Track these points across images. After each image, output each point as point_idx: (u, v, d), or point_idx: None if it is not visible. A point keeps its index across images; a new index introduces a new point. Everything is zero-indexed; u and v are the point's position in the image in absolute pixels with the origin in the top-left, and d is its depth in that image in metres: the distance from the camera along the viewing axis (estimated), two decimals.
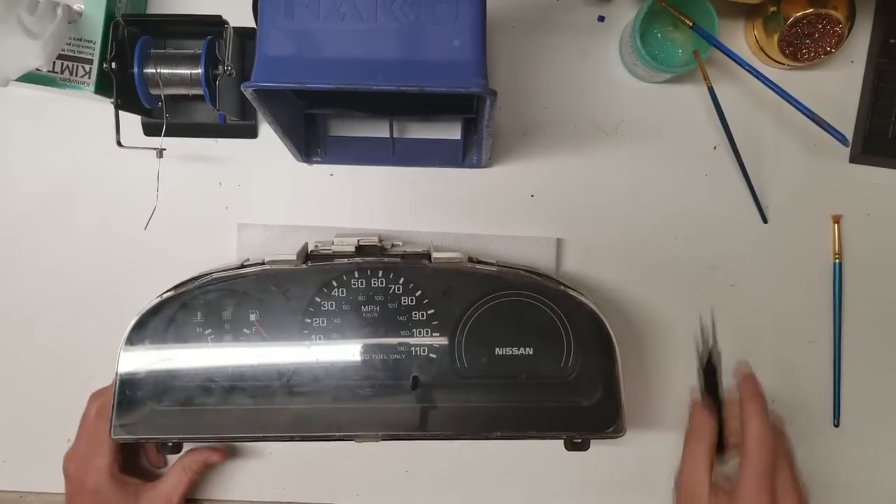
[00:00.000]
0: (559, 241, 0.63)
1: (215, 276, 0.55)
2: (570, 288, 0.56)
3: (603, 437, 0.54)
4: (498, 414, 0.54)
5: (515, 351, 0.55)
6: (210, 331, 0.54)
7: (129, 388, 0.54)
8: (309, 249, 0.57)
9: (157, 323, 0.54)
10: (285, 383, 0.54)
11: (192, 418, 0.53)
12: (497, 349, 0.55)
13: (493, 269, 0.56)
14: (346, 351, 0.55)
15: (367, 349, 0.55)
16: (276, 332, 0.55)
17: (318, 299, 0.55)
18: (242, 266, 0.56)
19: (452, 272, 0.55)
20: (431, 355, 0.55)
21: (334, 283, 0.55)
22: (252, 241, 0.62)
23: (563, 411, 0.54)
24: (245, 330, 0.55)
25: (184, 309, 0.55)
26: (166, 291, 0.55)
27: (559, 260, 0.63)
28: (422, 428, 0.54)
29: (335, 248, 0.56)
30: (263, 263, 0.55)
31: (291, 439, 0.54)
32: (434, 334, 0.55)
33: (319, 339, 0.55)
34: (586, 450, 0.55)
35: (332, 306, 0.55)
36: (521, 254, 0.62)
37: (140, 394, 0.54)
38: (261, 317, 0.55)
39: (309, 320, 0.55)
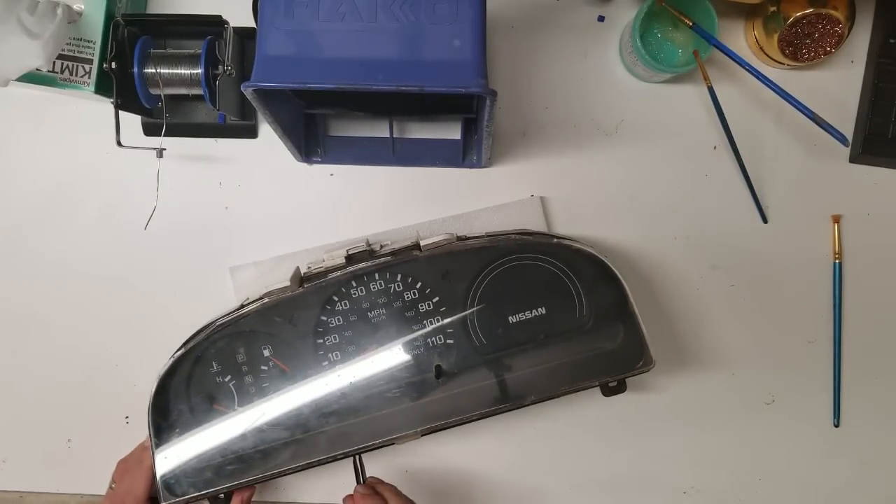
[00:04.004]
0: (544, 200, 0.63)
1: (219, 322, 0.55)
2: (563, 238, 0.56)
3: (635, 373, 0.54)
4: (527, 380, 0.54)
5: (528, 314, 0.55)
6: (230, 377, 0.55)
7: (167, 455, 0.54)
8: (302, 272, 0.57)
9: (176, 383, 0.55)
10: (315, 407, 0.54)
11: (236, 465, 0.54)
12: (510, 317, 0.55)
13: (484, 241, 0.56)
14: (365, 360, 0.55)
15: (384, 353, 0.55)
16: (293, 360, 0.55)
17: (324, 318, 0.55)
18: (243, 306, 0.56)
19: (445, 255, 0.55)
20: (448, 341, 0.55)
21: (335, 298, 0.55)
22: (246, 280, 0.62)
23: (590, 360, 0.55)
24: (263, 367, 0.55)
25: (198, 363, 0.55)
26: (177, 350, 0.55)
27: (552, 222, 0.63)
28: (457, 413, 0.54)
29: (326, 265, 0.57)
30: (262, 298, 0.55)
31: (335, 459, 0.54)
32: (445, 320, 0.55)
33: (336, 356, 0.55)
34: (624, 391, 0.55)
35: (339, 321, 0.55)
36: (511, 221, 0.62)
37: (180, 458, 0.54)
38: (274, 350, 0.55)
39: (321, 340, 0.55)
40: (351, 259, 0.56)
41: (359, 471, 0.57)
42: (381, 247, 0.58)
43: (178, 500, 0.53)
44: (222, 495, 0.55)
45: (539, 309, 0.55)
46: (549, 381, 0.54)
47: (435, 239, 0.55)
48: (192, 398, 0.55)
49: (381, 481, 0.57)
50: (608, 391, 0.55)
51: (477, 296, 0.55)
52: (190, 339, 0.56)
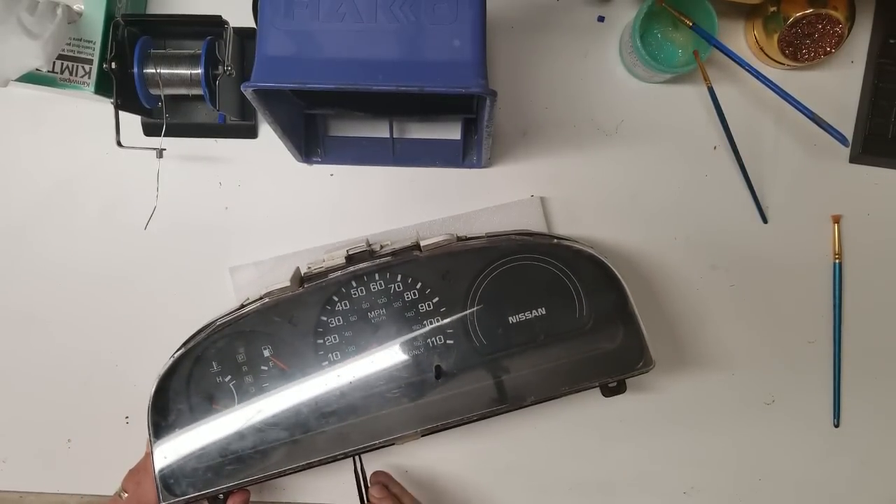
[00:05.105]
0: (544, 200, 0.63)
1: (219, 322, 0.55)
2: (563, 239, 0.56)
3: (635, 374, 0.54)
4: (527, 380, 0.54)
5: (528, 314, 0.55)
6: (230, 377, 0.55)
7: (166, 455, 0.54)
8: (302, 272, 0.57)
9: (176, 383, 0.55)
10: (315, 408, 0.54)
11: (235, 466, 0.54)
12: (510, 318, 0.55)
13: (484, 241, 0.56)
14: (365, 360, 0.55)
15: (384, 353, 0.55)
16: (293, 360, 0.55)
17: (324, 318, 0.55)
18: (243, 306, 0.56)
19: (445, 255, 0.55)
20: (448, 341, 0.55)
21: (335, 299, 0.55)
22: (246, 280, 0.62)
23: (590, 360, 0.55)
24: (263, 367, 0.55)
25: (198, 363, 0.55)
26: (177, 350, 0.55)
27: (552, 222, 0.63)
28: (457, 413, 0.54)
29: (326, 265, 0.56)
30: (262, 298, 0.55)
31: (335, 459, 0.54)
32: (445, 320, 0.55)
33: (336, 356, 0.55)
34: (623, 391, 0.55)
35: (339, 321, 0.55)
36: (511, 221, 0.62)
37: (179, 458, 0.54)
38: (274, 350, 0.55)
39: (321, 340, 0.55)
40: (351, 259, 0.56)
41: (359, 476, 0.57)
42: (382, 247, 0.58)
43: (177, 500, 0.53)
44: (221, 496, 0.55)
45: (539, 309, 0.55)
46: (548, 381, 0.54)
47: (435, 239, 0.55)
48: (191, 398, 0.55)
49: (390, 478, 0.58)
50: (608, 392, 0.55)
51: (477, 296, 0.55)
52: (190, 338, 0.56)
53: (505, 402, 0.54)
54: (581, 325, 0.55)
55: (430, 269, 0.55)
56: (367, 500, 0.58)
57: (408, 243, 0.56)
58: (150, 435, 0.54)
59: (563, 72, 0.63)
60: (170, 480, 0.54)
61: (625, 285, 0.55)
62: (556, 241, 0.56)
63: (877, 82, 0.61)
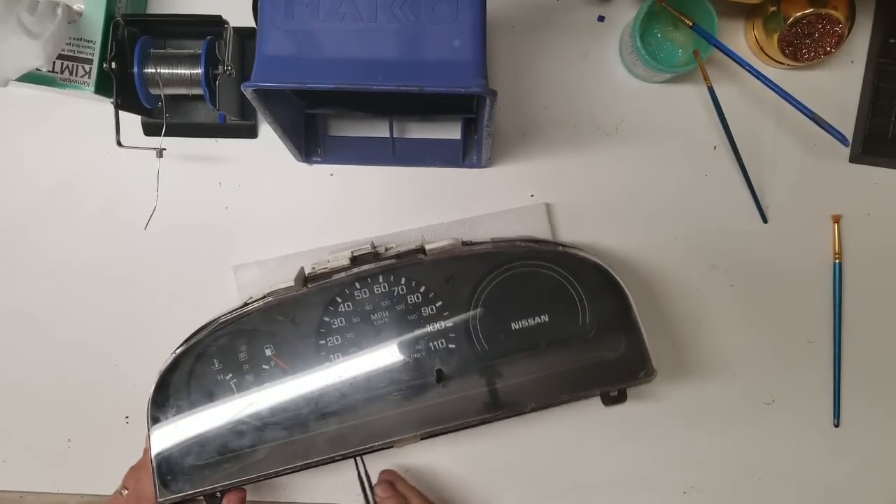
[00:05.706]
0: (549, 206, 0.63)
1: (222, 320, 0.55)
2: (568, 246, 0.56)
3: (636, 384, 0.54)
4: (528, 387, 0.54)
5: (531, 321, 0.55)
6: (231, 375, 0.55)
7: (164, 452, 0.54)
8: (306, 272, 0.57)
9: (177, 379, 0.55)
10: (315, 408, 0.54)
11: (233, 464, 0.54)
12: (513, 324, 0.55)
13: (489, 246, 0.56)
14: (366, 362, 0.55)
15: (385, 355, 0.55)
16: (295, 360, 0.55)
17: (327, 318, 0.55)
18: (246, 304, 0.56)
19: (449, 260, 0.55)
20: (450, 346, 0.55)
21: (338, 300, 0.55)
22: (250, 279, 0.62)
23: (591, 369, 0.55)
24: (264, 366, 0.55)
25: (200, 360, 0.55)
26: (179, 346, 0.55)
27: (554, 223, 0.63)
28: (457, 418, 0.54)
29: (331, 266, 0.57)
30: (266, 297, 0.55)
31: (333, 460, 0.54)
32: (447, 324, 0.55)
33: (338, 357, 0.55)
34: (624, 401, 0.55)
35: (342, 322, 0.55)
36: (515, 227, 0.62)
37: (177, 455, 0.54)
38: (276, 349, 0.55)
39: (323, 341, 0.55)
40: (355, 260, 0.56)
41: (363, 477, 0.57)
42: (386, 249, 0.58)
43: (174, 496, 0.53)
44: (218, 493, 0.55)
45: (542, 316, 0.55)
46: (549, 389, 0.54)
47: (440, 243, 0.55)
48: (192, 394, 0.55)
49: (397, 476, 0.58)
50: (609, 401, 0.55)
51: (480, 301, 0.55)
52: (192, 335, 0.56)
53: (505, 408, 0.54)
54: (583, 333, 0.55)
55: (434, 273, 0.55)
56: (374, 499, 0.58)
57: (412, 246, 0.57)
58: (148, 430, 0.54)
59: (563, 72, 0.63)
60: (167, 477, 0.54)
61: (628, 294, 0.55)
62: (560, 248, 0.56)
63: (877, 82, 0.61)
